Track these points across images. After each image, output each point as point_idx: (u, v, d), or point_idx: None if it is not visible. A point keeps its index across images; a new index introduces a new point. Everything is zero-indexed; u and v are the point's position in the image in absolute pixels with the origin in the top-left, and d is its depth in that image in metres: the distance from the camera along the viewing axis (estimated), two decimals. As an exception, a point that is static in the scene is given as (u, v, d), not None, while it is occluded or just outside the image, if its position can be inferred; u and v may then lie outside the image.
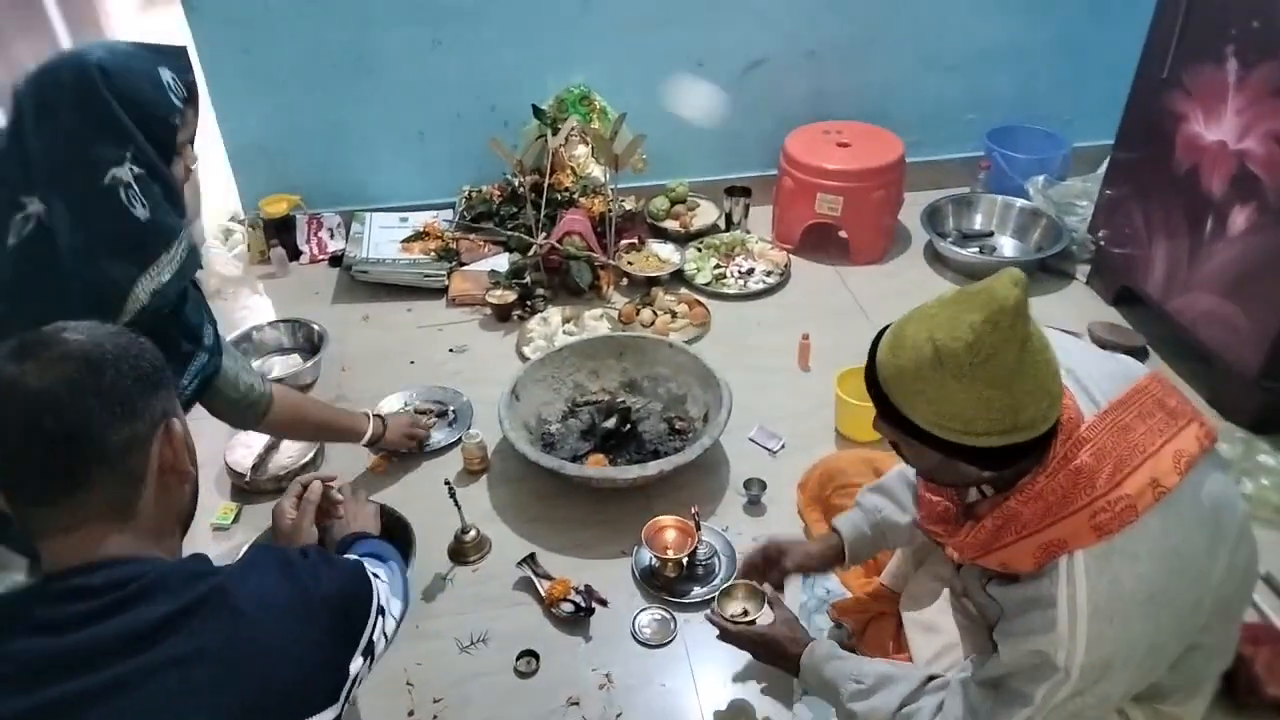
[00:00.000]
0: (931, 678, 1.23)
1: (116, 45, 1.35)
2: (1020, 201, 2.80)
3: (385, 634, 0.98)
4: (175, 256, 1.37)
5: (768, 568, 1.53)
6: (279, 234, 2.75)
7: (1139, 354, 2.30)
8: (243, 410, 1.64)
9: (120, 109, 1.29)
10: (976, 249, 2.74)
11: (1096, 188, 2.57)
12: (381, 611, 0.97)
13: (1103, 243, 2.50)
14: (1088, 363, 1.12)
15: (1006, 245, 2.81)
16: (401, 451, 2.03)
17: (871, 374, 1.06)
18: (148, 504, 0.84)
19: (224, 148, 2.74)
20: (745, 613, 1.51)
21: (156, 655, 0.75)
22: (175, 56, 1.40)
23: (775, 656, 1.39)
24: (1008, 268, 0.97)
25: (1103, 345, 2.32)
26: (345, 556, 1.01)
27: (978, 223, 2.87)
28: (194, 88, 1.41)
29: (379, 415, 1.95)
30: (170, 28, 2.65)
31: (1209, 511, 1.06)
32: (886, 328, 1.07)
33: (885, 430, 1.09)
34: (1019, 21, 2.84)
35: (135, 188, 1.31)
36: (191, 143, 1.44)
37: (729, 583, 1.52)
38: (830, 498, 1.80)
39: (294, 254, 2.78)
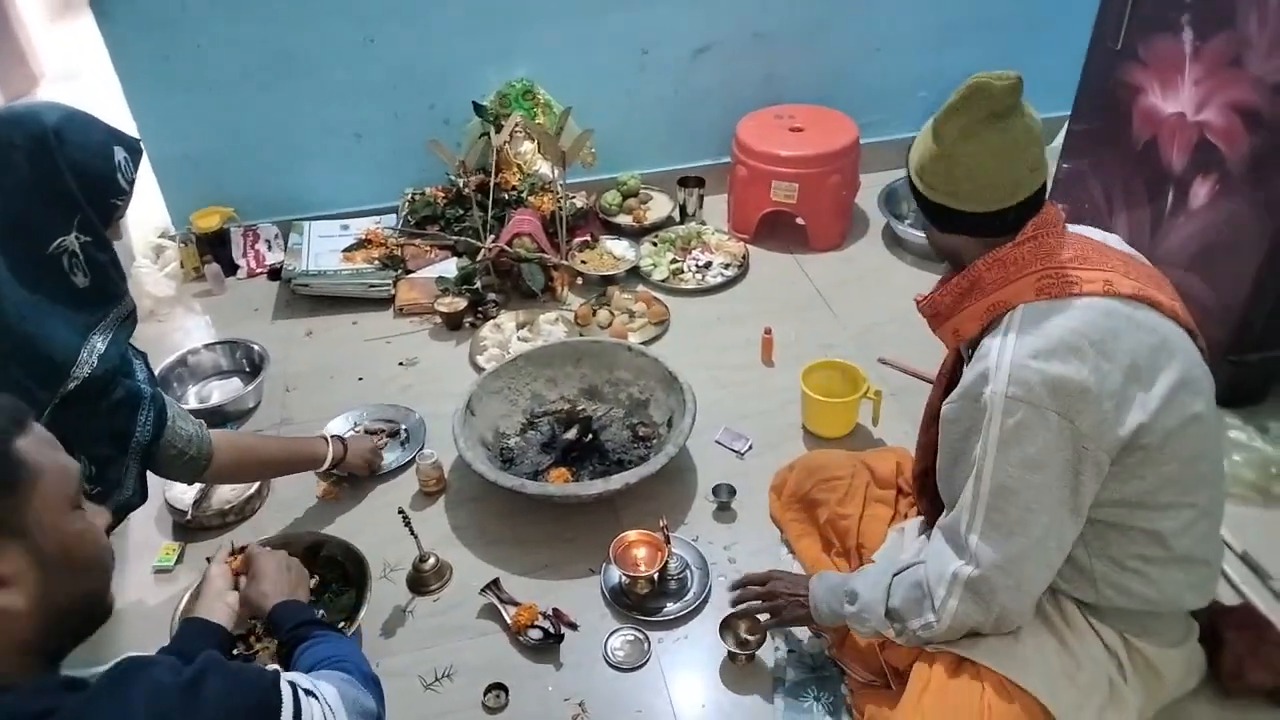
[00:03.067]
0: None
1: (74, 112, 1.32)
2: (977, 179, 2.76)
3: None
4: (115, 322, 1.37)
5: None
6: (213, 249, 2.62)
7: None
8: (186, 465, 1.53)
9: (72, 179, 1.27)
10: (936, 229, 2.69)
11: (1054, 161, 2.53)
12: None
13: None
14: None
15: (965, 224, 2.76)
16: (354, 477, 1.93)
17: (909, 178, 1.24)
18: None
19: (149, 160, 2.59)
20: (746, 644, 1.55)
21: None
22: (130, 140, 1.38)
23: (793, 592, 1.47)
24: None
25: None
26: (259, 669, 0.89)
27: (935, 202, 2.82)
28: (136, 179, 1.40)
29: (337, 436, 1.86)
30: (86, 35, 2.49)
31: (1159, 336, 1.14)
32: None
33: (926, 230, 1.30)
34: (970, -7, 2.78)
35: (80, 257, 1.30)
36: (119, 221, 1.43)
37: (728, 613, 1.56)
38: (812, 492, 1.73)
39: (230, 269, 2.65)
